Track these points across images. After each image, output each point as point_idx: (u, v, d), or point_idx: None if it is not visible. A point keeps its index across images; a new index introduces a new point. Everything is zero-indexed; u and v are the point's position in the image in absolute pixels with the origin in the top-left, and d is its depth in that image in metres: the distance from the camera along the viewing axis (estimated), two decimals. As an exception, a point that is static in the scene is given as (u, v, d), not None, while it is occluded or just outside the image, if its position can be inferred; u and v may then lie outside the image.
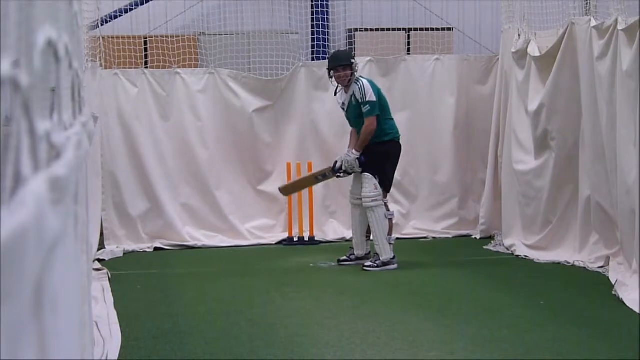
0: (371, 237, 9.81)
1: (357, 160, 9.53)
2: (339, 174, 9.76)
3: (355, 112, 9.58)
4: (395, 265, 9.58)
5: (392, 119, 9.78)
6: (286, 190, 10.73)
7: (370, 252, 9.82)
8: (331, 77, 9.71)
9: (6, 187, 1.16)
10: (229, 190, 11.66)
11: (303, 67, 11.76)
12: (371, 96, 9.45)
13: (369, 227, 9.74)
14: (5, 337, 1.08)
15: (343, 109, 9.78)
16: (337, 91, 9.78)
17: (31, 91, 1.18)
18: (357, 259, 9.86)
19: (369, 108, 9.44)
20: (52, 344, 1.28)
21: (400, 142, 9.79)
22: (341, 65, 9.60)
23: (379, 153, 9.55)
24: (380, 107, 9.57)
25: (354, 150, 9.55)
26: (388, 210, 9.69)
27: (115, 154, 11.25)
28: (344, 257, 9.93)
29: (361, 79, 9.67)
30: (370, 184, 9.50)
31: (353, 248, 9.95)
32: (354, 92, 9.53)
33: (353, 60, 9.71)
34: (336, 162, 9.75)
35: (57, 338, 1.33)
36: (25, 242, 1.14)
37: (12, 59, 1.15)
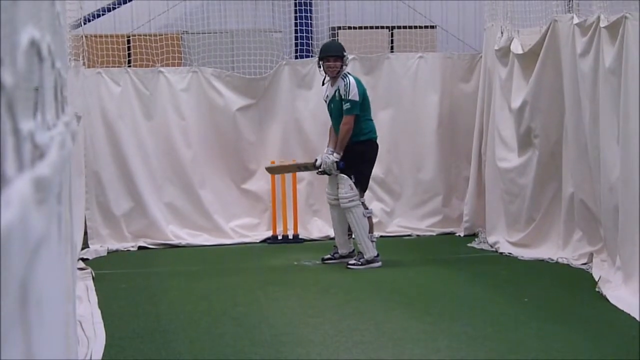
0: (353, 236, 9.81)
1: (335, 164, 9.52)
2: (319, 171, 9.75)
3: (337, 106, 9.57)
4: (379, 263, 9.59)
5: (372, 120, 9.77)
6: (271, 170, 10.79)
7: (354, 250, 9.83)
8: (320, 67, 9.70)
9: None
10: (213, 189, 11.65)
11: (286, 65, 11.76)
12: (354, 95, 9.44)
13: (370, 227, 9.73)
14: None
15: (326, 101, 9.77)
16: (325, 81, 9.75)
17: (15, 91, 1.17)
18: (341, 257, 9.86)
19: (349, 106, 9.43)
20: (37, 343, 1.28)
21: (378, 142, 9.78)
22: (332, 55, 9.60)
23: (355, 153, 9.53)
24: (362, 107, 9.56)
25: (335, 153, 9.53)
26: (366, 208, 9.68)
27: (99, 153, 11.23)
28: (328, 256, 9.93)
29: (349, 75, 9.66)
30: (346, 184, 9.48)
31: (337, 246, 9.95)
32: (339, 87, 9.52)
33: (345, 53, 9.70)
34: (316, 159, 9.73)
35: (42, 337, 1.33)
36: (10, 242, 1.14)
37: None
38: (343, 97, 9.46)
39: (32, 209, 1.20)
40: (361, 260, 9.55)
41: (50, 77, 1.52)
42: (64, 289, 1.71)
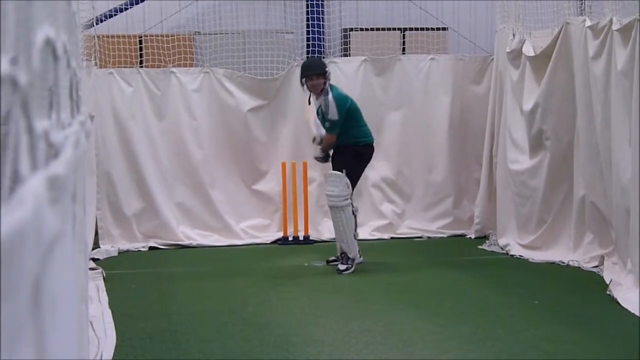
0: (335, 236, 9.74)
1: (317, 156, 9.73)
2: (316, 157, 9.82)
3: (324, 119, 9.53)
4: (362, 258, 9.56)
5: (365, 125, 9.68)
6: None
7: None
8: (303, 85, 9.62)
9: (5, 186, 1.16)
10: (224, 189, 11.65)
11: (298, 66, 11.72)
12: (333, 115, 9.35)
13: (355, 225, 9.59)
14: (3, 336, 1.08)
15: (318, 113, 9.64)
16: (310, 100, 9.67)
17: (30, 90, 1.18)
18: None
19: (329, 126, 9.42)
20: (49, 343, 1.28)
21: (374, 145, 9.79)
22: (315, 73, 9.52)
23: (353, 153, 9.48)
24: (352, 117, 9.50)
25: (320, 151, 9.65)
26: (353, 206, 9.58)
27: (110, 153, 11.24)
28: (333, 258, 9.87)
29: (330, 92, 9.48)
30: (342, 182, 9.36)
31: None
32: (321, 103, 9.49)
33: (327, 70, 9.65)
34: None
35: (55, 337, 1.33)
36: (24, 240, 1.14)
37: (10, 57, 1.15)
38: (324, 115, 9.44)
39: (46, 208, 1.20)
40: (349, 262, 9.46)
41: (66, 77, 1.53)
42: (77, 289, 1.71)
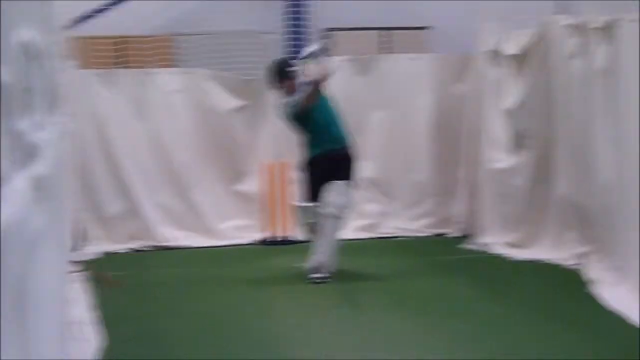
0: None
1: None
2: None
3: (324, 102, 9.20)
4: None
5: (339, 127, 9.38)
6: None
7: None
8: (280, 88, 9.36)
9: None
10: (206, 190, 11.63)
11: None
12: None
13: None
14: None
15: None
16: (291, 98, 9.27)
17: (11, 91, 1.17)
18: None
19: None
20: (34, 341, 1.28)
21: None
22: (281, 79, 9.30)
23: (352, 159, 9.20)
24: (335, 114, 9.30)
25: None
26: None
27: (92, 155, 11.19)
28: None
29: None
30: (348, 193, 9.06)
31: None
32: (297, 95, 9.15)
33: (291, 69, 9.36)
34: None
35: (39, 336, 1.33)
36: (8, 239, 1.14)
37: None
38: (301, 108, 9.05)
39: (30, 207, 1.20)
40: (326, 272, 8.99)
41: (43, 77, 1.52)
42: (61, 287, 1.71)
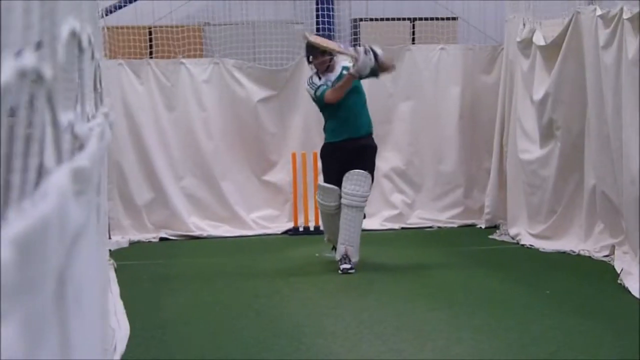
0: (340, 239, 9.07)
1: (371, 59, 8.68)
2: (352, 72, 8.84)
3: (354, 84, 8.94)
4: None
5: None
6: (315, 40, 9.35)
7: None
8: (310, 63, 9.23)
9: (30, 179, 1.16)
10: (234, 180, 11.66)
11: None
12: (365, 63, 8.64)
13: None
14: (29, 328, 1.09)
15: (314, 88, 9.11)
16: (320, 76, 9.11)
17: (55, 83, 1.18)
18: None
19: (374, 65, 8.75)
20: (73, 336, 1.29)
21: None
22: (320, 52, 9.04)
23: (373, 148, 9.13)
24: (362, 102, 9.15)
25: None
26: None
27: (121, 144, 11.25)
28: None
29: (341, 66, 9.11)
30: (367, 183, 8.97)
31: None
32: (342, 67, 9.02)
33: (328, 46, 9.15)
34: (355, 60, 8.76)
35: (79, 330, 1.34)
36: (48, 234, 1.14)
37: (34, 50, 1.15)
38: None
39: (70, 201, 1.21)
40: (352, 263, 8.97)
41: (90, 69, 1.53)
42: (101, 281, 1.72)
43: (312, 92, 9.06)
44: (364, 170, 8.96)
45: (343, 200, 8.95)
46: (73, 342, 1.28)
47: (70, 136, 1.26)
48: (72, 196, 1.24)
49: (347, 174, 8.94)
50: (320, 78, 9.11)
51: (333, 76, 9.05)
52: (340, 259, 8.97)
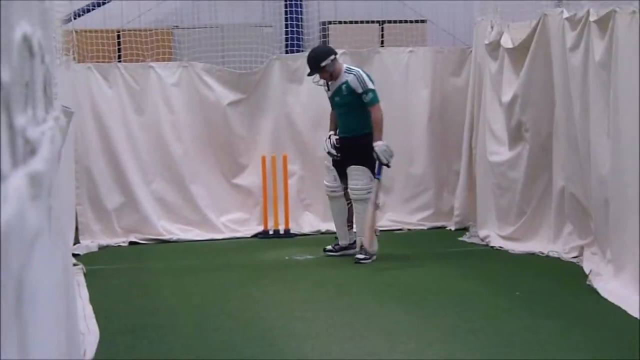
0: (354, 228, 9.80)
1: (387, 146, 9.47)
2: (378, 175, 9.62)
3: (344, 100, 9.57)
4: (375, 257, 9.59)
5: None
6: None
7: (354, 242, 9.75)
8: (317, 81, 9.75)
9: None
10: (204, 183, 11.63)
11: (277, 60, 11.74)
12: (369, 84, 9.52)
13: (349, 215, 9.78)
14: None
15: (327, 91, 9.77)
16: (329, 86, 9.74)
17: (11, 87, 1.17)
18: (342, 249, 9.83)
19: (372, 96, 9.50)
20: (32, 340, 1.28)
21: None
22: (320, 69, 9.60)
23: (368, 146, 9.46)
24: (352, 104, 9.60)
25: (379, 142, 9.42)
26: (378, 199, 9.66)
27: (90, 148, 11.19)
28: (329, 247, 9.90)
29: (353, 68, 9.73)
30: (366, 176, 9.48)
31: (337, 238, 9.93)
32: (347, 81, 9.54)
33: (332, 57, 9.64)
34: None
35: (37, 334, 1.33)
36: (9, 238, 1.14)
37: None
38: (362, 89, 9.48)
39: (27, 205, 1.20)
40: (368, 254, 9.48)
41: (40, 72, 1.52)
42: (56, 284, 1.71)
43: (365, 93, 9.52)
44: (362, 165, 9.52)
45: (351, 197, 9.67)
46: (30, 347, 1.27)
47: (23, 140, 1.25)
48: (29, 200, 1.23)
49: (347, 171, 9.62)
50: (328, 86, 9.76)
51: (337, 83, 9.65)
52: (359, 250, 9.58)
